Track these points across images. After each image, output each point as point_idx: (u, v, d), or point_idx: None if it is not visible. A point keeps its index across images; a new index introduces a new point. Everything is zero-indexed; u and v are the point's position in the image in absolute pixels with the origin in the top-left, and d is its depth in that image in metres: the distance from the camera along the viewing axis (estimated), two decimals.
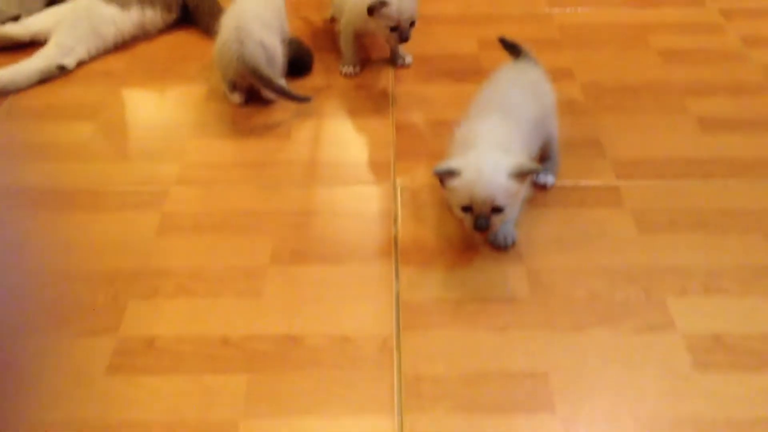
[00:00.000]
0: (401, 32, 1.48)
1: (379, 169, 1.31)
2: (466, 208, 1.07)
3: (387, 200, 1.24)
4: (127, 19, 1.64)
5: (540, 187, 1.25)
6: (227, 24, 1.44)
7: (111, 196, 1.26)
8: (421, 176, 1.28)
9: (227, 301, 1.07)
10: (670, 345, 0.99)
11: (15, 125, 1.42)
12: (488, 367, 0.97)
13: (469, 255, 1.14)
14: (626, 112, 1.43)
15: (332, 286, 1.09)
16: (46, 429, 0.91)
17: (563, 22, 1.72)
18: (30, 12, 1.68)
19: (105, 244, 1.16)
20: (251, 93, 1.48)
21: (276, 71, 1.46)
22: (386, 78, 1.56)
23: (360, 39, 1.58)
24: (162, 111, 1.47)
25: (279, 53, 1.46)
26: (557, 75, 1.55)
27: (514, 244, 1.14)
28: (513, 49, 1.31)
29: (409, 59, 1.59)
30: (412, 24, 1.48)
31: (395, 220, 1.20)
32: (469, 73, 1.56)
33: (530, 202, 1.20)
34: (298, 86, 1.52)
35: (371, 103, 1.48)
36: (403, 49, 1.59)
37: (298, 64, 1.55)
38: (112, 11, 1.62)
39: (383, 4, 1.45)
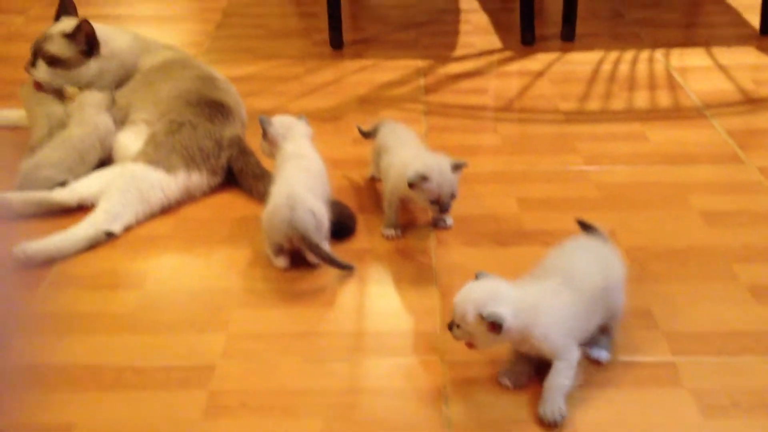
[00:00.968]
0: (442, 205, 1.51)
1: (424, 340, 1.30)
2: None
3: (435, 375, 1.22)
4: (173, 184, 1.68)
5: (593, 363, 1.22)
6: (279, 190, 1.48)
7: (156, 372, 1.25)
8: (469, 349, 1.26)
9: None
10: None
11: (61, 295, 1.43)
12: None
13: None
14: (674, 280, 1.41)
15: None
16: None
17: (601, 181, 1.74)
18: (77, 177, 1.73)
19: (152, 428, 1.14)
20: (295, 256, 1.50)
21: (322, 236, 1.48)
22: (428, 241, 1.56)
23: (403, 202, 1.60)
24: (207, 277, 1.48)
25: (326, 219, 1.48)
26: None
27: (563, 419, 1.11)
28: (588, 228, 1.33)
29: (450, 221, 1.61)
30: (452, 197, 1.51)
31: (446, 400, 1.18)
32: (511, 235, 1.56)
33: (582, 381, 1.17)
34: (341, 248, 1.53)
35: (414, 268, 1.48)
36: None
37: (342, 227, 1.57)
38: (159, 176, 1.66)
39: (424, 180, 1.48)
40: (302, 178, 1.51)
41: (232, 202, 1.71)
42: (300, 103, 2.16)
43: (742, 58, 2.38)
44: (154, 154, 1.69)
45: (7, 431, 0.91)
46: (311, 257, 1.48)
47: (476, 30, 2.67)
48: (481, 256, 1.51)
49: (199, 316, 1.37)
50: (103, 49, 1.91)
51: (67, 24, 1.92)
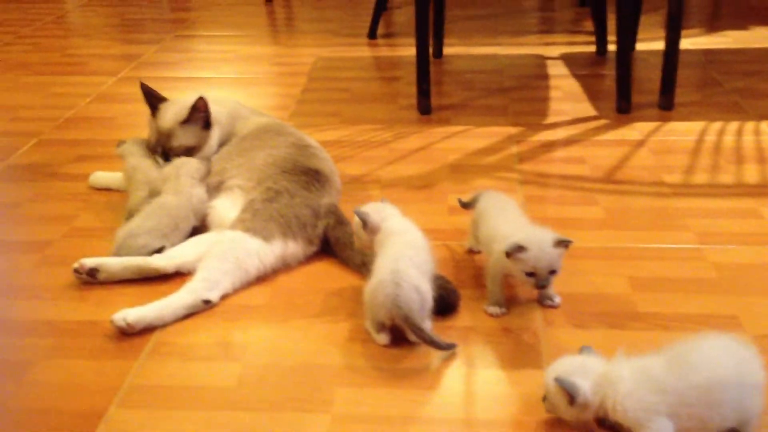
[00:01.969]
0: (538, 279, 1.44)
1: (530, 430, 1.22)
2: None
3: None
4: (270, 253, 1.65)
5: None
6: (383, 265, 1.43)
7: None
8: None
9: None
10: None
11: (161, 366, 1.40)
12: None
13: None
14: None
15: None
16: None
17: (717, 261, 1.64)
18: (173, 243, 1.72)
19: None
20: (396, 331, 1.44)
21: (425, 314, 1.42)
22: (534, 320, 1.49)
23: (506, 277, 1.53)
24: (306, 351, 1.43)
25: (430, 296, 1.43)
26: (720, 322, 1.45)
27: None
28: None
29: (557, 300, 1.53)
30: (551, 272, 1.44)
31: None
32: (624, 316, 1.48)
33: None
34: (443, 325, 1.47)
35: (520, 350, 1.41)
36: (552, 288, 1.53)
37: (444, 303, 1.51)
38: (256, 244, 1.63)
39: (520, 250, 1.42)
40: (407, 253, 1.46)
41: (327, 272, 1.67)
42: (390, 169, 2.14)
43: None
44: (252, 222, 1.67)
45: None
46: (412, 336, 1.43)
47: (567, 96, 2.62)
48: (592, 339, 1.42)
49: (301, 394, 1.32)
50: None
51: (175, 110, 1.94)
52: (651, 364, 1.16)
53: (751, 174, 2.03)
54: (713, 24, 3.49)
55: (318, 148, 1.94)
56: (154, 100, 1.99)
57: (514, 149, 2.23)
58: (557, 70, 2.89)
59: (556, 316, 1.50)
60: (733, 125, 2.33)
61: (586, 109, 2.51)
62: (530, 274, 1.44)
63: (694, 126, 2.35)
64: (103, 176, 2.06)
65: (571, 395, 1.15)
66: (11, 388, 1.36)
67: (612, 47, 3.00)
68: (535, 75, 2.85)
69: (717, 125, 2.34)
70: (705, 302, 1.49)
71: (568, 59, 3.00)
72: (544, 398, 1.22)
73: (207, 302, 1.55)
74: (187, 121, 1.91)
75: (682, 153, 2.17)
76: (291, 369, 1.39)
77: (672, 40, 2.42)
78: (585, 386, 1.16)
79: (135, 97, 2.72)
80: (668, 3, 2.36)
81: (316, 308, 1.55)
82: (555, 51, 3.10)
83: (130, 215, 1.79)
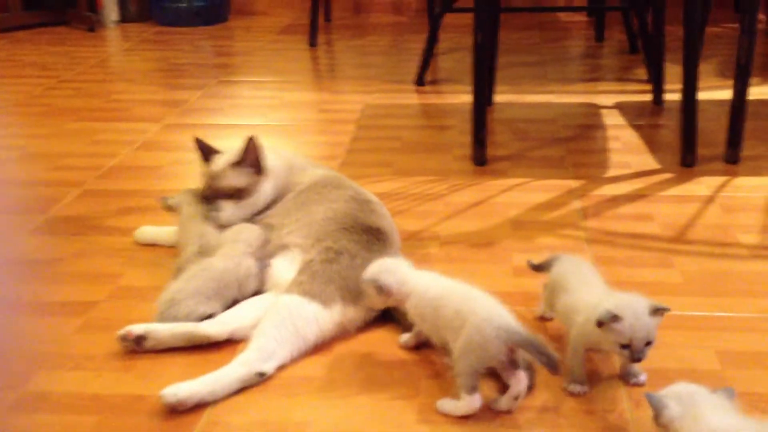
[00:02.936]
0: (634, 352, 1.31)
1: None
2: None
3: None
4: (329, 319, 1.54)
5: None
6: (473, 321, 1.35)
7: None
8: None
9: None
10: None
11: None
12: None
13: None
14: None
15: None
16: None
17: None
18: (222, 307, 1.62)
19: None
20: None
21: None
22: (620, 400, 1.36)
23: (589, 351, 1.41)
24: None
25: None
26: None
27: None
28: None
29: (643, 377, 1.40)
30: (647, 344, 1.32)
31: None
32: None
33: None
34: (521, 408, 1.35)
35: None
36: (637, 364, 1.40)
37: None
38: (314, 310, 1.53)
39: (615, 320, 1.30)
40: (473, 294, 1.42)
41: (389, 341, 1.56)
42: (447, 225, 2.03)
43: None
44: (310, 285, 1.57)
45: None
46: (508, 403, 1.33)
47: (627, 148, 2.51)
48: None
49: None
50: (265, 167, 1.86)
51: (228, 155, 1.86)
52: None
53: None
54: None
55: (378, 203, 1.84)
56: (209, 152, 1.92)
57: (578, 204, 2.12)
58: (613, 119, 2.78)
59: (643, 396, 1.37)
60: None
61: (648, 161, 2.40)
62: (625, 347, 1.31)
63: (764, 181, 2.22)
64: (150, 231, 1.98)
65: None
66: None
67: (669, 96, 2.90)
68: (591, 125, 2.74)
69: None
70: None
71: (623, 108, 2.89)
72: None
73: (262, 375, 1.44)
74: (237, 163, 1.83)
75: (755, 210, 2.04)
76: None
77: (740, 90, 2.31)
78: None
79: (181, 144, 2.67)
80: (738, 50, 2.25)
81: (381, 380, 1.44)
82: (608, 100, 3.00)
83: (178, 272, 1.70)
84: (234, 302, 1.63)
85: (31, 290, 1.78)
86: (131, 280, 1.79)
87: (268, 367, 1.45)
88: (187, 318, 1.57)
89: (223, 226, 1.79)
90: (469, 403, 1.33)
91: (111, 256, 1.91)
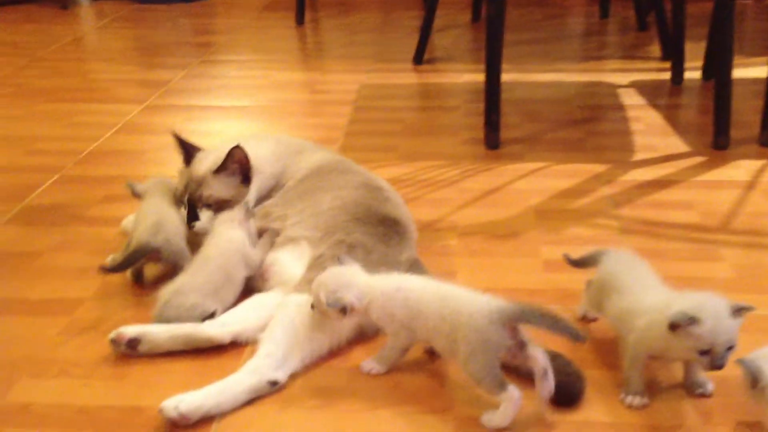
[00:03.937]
0: (714, 358, 1.14)
1: None
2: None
3: None
4: (345, 320, 1.35)
5: None
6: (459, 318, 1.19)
7: None
8: None
9: None
10: None
11: None
12: None
13: None
14: None
15: None
16: None
17: None
18: (225, 302, 1.44)
19: None
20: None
21: None
22: (686, 413, 1.19)
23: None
24: None
25: None
26: None
27: None
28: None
29: (710, 387, 1.23)
30: (729, 349, 1.15)
31: None
32: None
33: None
34: (568, 420, 1.18)
35: None
36: (702, 372, 1.24)
37: (567, 392, 1.22)
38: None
39: (692, 321, 1.13)
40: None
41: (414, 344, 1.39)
42: (464, 214, 1.85)
43: None
44: None
45: None
46: (539, 369, 1.18)
47: (651, 130, 2.34)
48: None
49: None
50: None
51: (211, 159, 1.66)
52: None
53: None
54: None
55: (391, 191, 1.66)
56: (190, 149, 1.72)
57: (606, 191, 1.95)
58: (631, 99, 2.61)
59: (711, 408, 1.20)
60: None
61: (676, 144, 2.23)
62: (704, 353, 1.15)
63: None
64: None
65: None
66: None
67: (687, 75, 2.74)
68: (608, 105, 2.57)
69: None
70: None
71: (639, 87, 2.73)
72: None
73: (274, 384, 1.26)
74: (220, 170, 1.63)
75: None
76: None
77: None
78: None
79: (165, 127, 2.46)
80: None
81: (408, 393, 1.26)
82: (622, 78, 2.83)
83: (127, 249, 1.55)
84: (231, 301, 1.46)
85: (7, 287, 1.58)
86: (120, 275, 1.58)
87: (281, 375, 1.27)
88: (190, 313, 1.39)
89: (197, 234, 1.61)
90: (509, 400, 1.16)
91: (96, 249, 1.71)
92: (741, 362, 1.11)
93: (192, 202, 1.62)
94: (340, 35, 3.67)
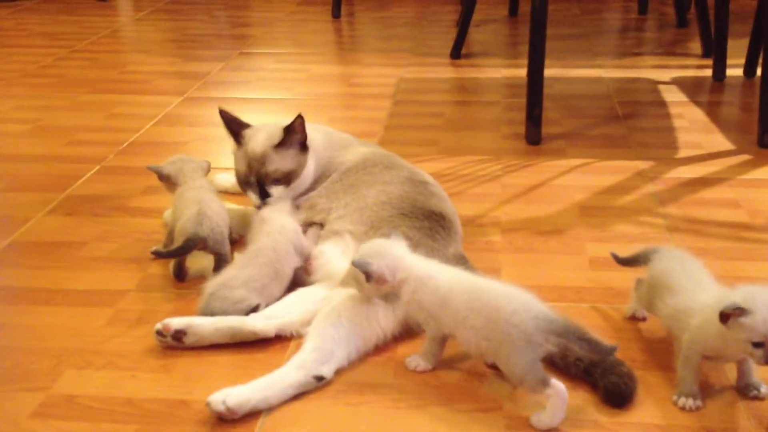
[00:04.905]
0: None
1: None
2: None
3: None
4: (392, 315, 1.35)
5: None
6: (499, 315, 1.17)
7: None
8: None
9: None
10: None
11: None
12: None
13: None
14: None
15: None
16: None
17: None
18: (270, 297, 1.44)
19: None
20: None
21: None
22: (740, 417, 1.17)
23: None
24: None
25: None
26: None
27: None
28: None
29: (764, 389, 1.21)
30: None
31: None
32: None
33: None
34: (618, 422, 1.16)
35: None
36: (756, 374, 1.22)
37: (618, 392, 1.19)
38: (375, 306, 1.34)
39: (742, 312, 1.10)
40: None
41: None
42: (507, 210, 1.83)
43: None
44: None
45: None
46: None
47: (694, 126, 2.30)
48: None
49: None
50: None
51: (266, 134, 1.65)
52: None
53: None
54: None
55: (436, 185, 1.65)
56: (236, 126, 1.70)
57: (651, 188, 1.92)
58: (673, 96, 2.57)
59: (766, 411, 1.18)
60: None
61: (721, 141, 2.19)
62: (757, 345, 1.11)
63: None
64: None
65: None
66: None
67: (729, 72, 2.69)
68: (650, 101, 2.53)
69: None
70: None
71: (681, 84, 2.68)
72: None
73: (320, 379, 1.25)
74: (282, 144, 1.62)
75: None
76: None
77: None
78: None
79: (205, 119, 2.47)
80: None
81: (457, 391, 1.24)
82: (663, 75, 2.79)
83: (169, 237, 1.56)
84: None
85: (51, 277, 1.59)
86: (163, 267, 1.60)
87: (327, 371, 1.26)
88: (236, 307, 1.38)
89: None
90: (556, 396, 1.14)
91: (139, 240, 1.72)
92: None
93: (260, 180, 1.62)
94: (376, 29, 3.66)
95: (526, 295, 1.21)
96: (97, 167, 2.12)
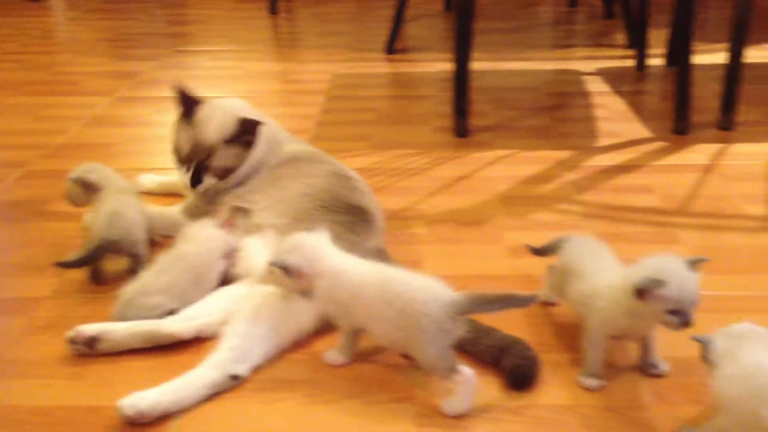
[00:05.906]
0: (684, 315, 1.15)
1: None
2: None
3: None
4: (309, 311, 1.35)
5: None
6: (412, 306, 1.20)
7: None
8: None
9: None
10: None
11: None
12: None
13: None
14: None
15: None
16: None
17: None
18: (187, 303, 1.41)
19: None
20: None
21: None
22: (642, 394, 1.21)
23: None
24: None
25: None
26: None
27: None
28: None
29: (663, 366, 1.25)
30: (694, 304, 1.16)
31: None
32: None
33: None
34: (525, 404, 1.19)
35: None
36: (656, 353, 1.26)
37: (521, 374, 1.23)
38: (295, 303, 1.33)
39: (658, 284, 1.14)
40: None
41: None
42: (433, 202, 1.86)
43: None
44: None
45: None
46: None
47: (615, 116, 2.36)
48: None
49: None
50: None
51: (219, 122, 1.63)
52: None
53: None
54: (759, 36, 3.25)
55: (359, 180, 1.66)
56: (190, 102, 1.67)
57: (570, 176, 1.96)
58: (597, 86, 2.63)
59: (666, 389, 1.22)
60: None
61: (639, 129, 2.25)
62: (673, 312, 1.15)
63: (762, 148, 2.10)
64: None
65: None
66: None
67: (651, 62, 2.75)
68: (574, 92, 2.58)
69: None
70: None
71: (605, 75, 2.74)
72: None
73: (235, 378, 1.26)
74: (232, 140, 1.63)
75: (756, 179, 1.92)
76: None
77: (735, 53, 2.17)
78: None
79: (136, 119, 2.45)
80: (734, 10, 2.11)
81: (371, 384, 1.26)
82: (589, 66, 2.85)
83: (93, 247, 1.52)
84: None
85: None
86: (81, 273, 1.58)
87: (243, 369, 1.27)
88: (152, 312, 1.38)
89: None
90: (464, 382, 1.17)
91: (57, 245, 1.70)
92: (694, 337, 1.11)
93: (198, 168, 1.62)
94: (314, 25, 3.67)
95: (436, 284, 1.23)
96: (20, 172, 2.09)
